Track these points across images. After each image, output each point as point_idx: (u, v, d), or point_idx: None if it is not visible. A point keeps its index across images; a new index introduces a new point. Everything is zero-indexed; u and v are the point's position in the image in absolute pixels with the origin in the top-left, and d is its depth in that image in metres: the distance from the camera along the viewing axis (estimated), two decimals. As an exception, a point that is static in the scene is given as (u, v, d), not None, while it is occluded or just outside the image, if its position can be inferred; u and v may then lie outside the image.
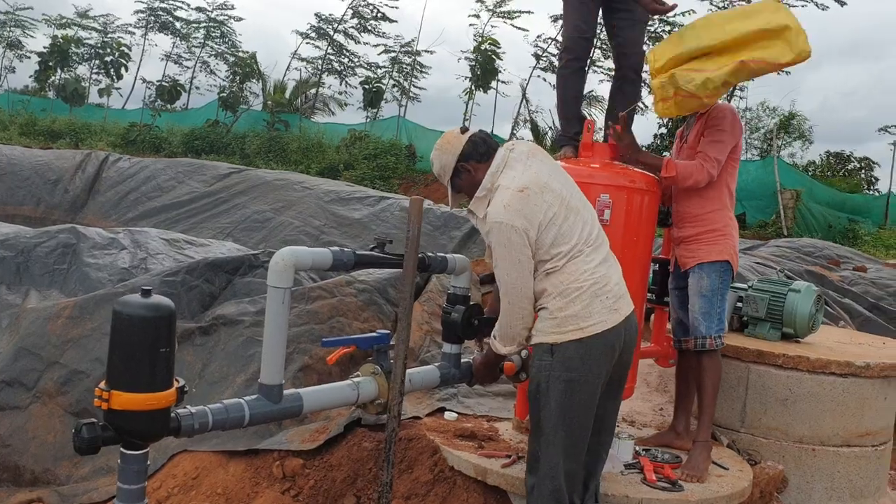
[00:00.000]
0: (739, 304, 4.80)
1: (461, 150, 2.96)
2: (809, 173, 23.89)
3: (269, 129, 25.04)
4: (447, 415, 4.02)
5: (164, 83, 30.40)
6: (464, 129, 3.04)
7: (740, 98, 22.52)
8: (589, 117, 3.88)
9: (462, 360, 3.31)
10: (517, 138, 23.52)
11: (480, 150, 2.97)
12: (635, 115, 4.27)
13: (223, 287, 4.58)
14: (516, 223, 2.75)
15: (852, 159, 27.22)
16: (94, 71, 34.09)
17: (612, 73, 4.31)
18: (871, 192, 25.41)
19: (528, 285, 2.81)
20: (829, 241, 12.55)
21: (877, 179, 26.82)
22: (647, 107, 20.79)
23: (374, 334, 2.99)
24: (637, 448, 3.74)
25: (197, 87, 32.61)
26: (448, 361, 3.26)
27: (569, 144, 3.93)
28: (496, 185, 2.89)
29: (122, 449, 2.29)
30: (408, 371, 3.13)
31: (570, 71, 4.00)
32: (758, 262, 8.54)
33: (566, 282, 2.80)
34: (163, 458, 3.67)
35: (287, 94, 27.80)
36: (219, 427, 2.52)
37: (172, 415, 2.36)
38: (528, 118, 25.33)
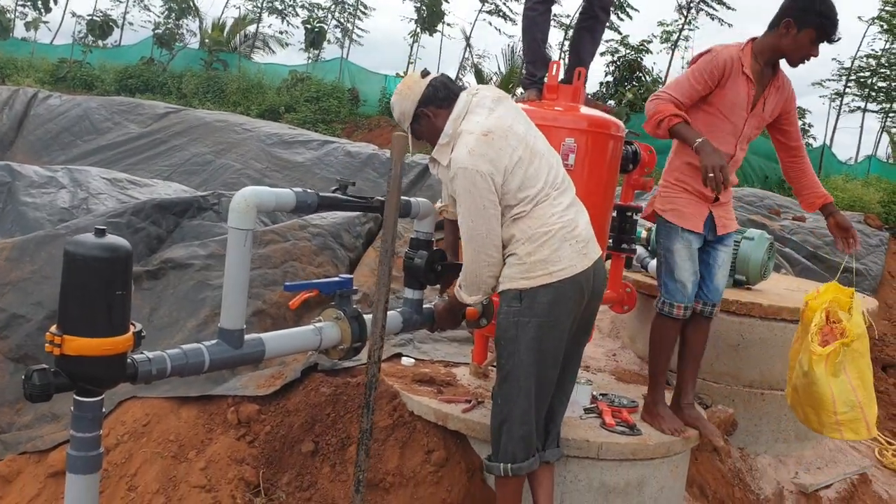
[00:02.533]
0: (693, 252, 4.83)
1: (421, 95, 2.87)
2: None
3: (206, 68, 24.20)
4: (404, 360, 3.97)
5: (95, 18, 28.98)
6: (424, 73, 2.94)
7: (685, 49, 22.59)
8: (555, 59, 3.79)
9: (424, 306, 3.25)
10: (463, 83, 23.28)
11: (440, 94, 2.87)
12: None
13: (171, 230, 4.40)
14: (481, 168, 2.68)
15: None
16: (20, 3, 32.28)
17: (564, 21, 4.22)
18: (805, 143, 25.94)
19: (495, 232, 2.75)
20: (770, 191, 12.80)
21: (811, 126, 27.36)
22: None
23: (336, 279, 2.90)
24: (594, 392, 3.76)
25: (130, 23, 31.12)
26: (410, 307, 3.18)
27: (534, 87, 3.85)
28: (459, 130, 2.80)
29: (75, 396, 2.17)
30: (369, 316, 3.06)
31: (537, 13, 3.89)
32: (703, 211, 8.66)
33: (534, 226, 2.75)
34: (110, 404, 3.54)
35: (225, 33, 26.87)
36: (177, 373, 2.42)
37: (129, 360, 2.24)
38: (473, 63, 25.06)
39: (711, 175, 3.05)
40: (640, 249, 4.90)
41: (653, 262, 4.76)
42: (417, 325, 3.23)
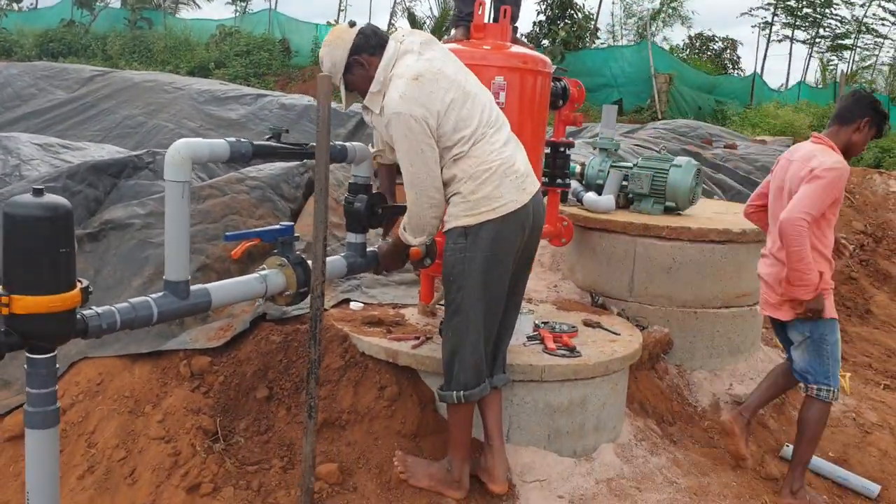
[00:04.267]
0: (625, 183, 5.00)
1: (352, 44, 2.92)
2: (676, 56, 24.58)
3: (131, 27, 23.49)
4: (353, 305, 4.06)
5: (6, -21, 27.80)
6: (352, 24, 2.99)
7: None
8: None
9: (367, 249, 3.34)
10: (395, 29, 23.03)
11: (372, 42, 2.93)
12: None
13: (108, 191, 4.37)
14: (415, 112, 2.75)
15: (716, 39, 28.09)
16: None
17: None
18: (736, 73, 26.44)
19: (435, 174, 2.83)
20: (702, 122, 13.09)
21: (739, 58, 27.91)
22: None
23: (277, 227, 2.96)
24: (536, 321, 3.92)
25: (45, -16, 29.98)
26: (353, 251, 3.26)
27: (462, 24, 3.90)
28: (389, 76, 2.87)
29: (28, 354, 2.22)
30: (314, 261, 3.14)
31: None
32: (637, 145, 8.87)
33: (475, 165, 2.85)
34: (63, 366, 3.57)
35: (148, -11, 26.07)
36: (127, 326, 2.48)
37: (78, 316, 2.30)
38: (405, 7, 24.75)
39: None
40: (574, 184, 5.05)
41: (588, 195, 4.91)
42: (362, 267, 3.32)
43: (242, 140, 2.72)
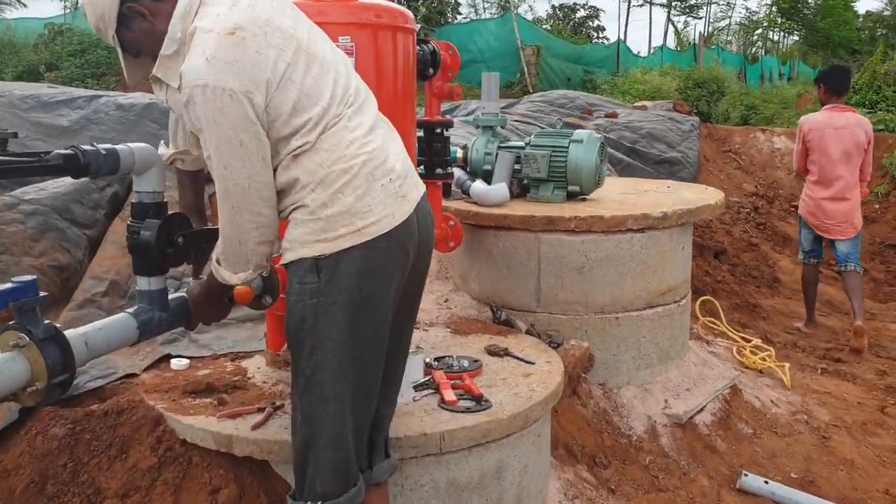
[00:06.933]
0: (518, 167, 4.11)
1: None
2: (541, 27, 24.26)
3: (-57, 32, 20.97)
4: (174, 363, 2.98)
5: None
6: None
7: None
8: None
9: (172, 296, 2.28)
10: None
11: None
12: None
13: None
14: (230, 84, 1.74)
15: (577, 7, 28.04)
16: None
17: None
18: (601, 42, 26.43)
19: (263, 179, 1.84)
20: (579, 92, 12.51)
21: (603, 29, 28.06)
22: None
23: (8, 285, 1.87)
24: (427, 359, 2.97)
25: None
26: (147, 302, 2.20)
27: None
28: (191, 29, 1.83)
29: None
30: (83, 329, 2.07)
31: None
32: (517, 121, 8.04)
33: (326, 163, 1.86)
34: None
35: (-39, -11, 23.43)
36: None
37: None
38: None
39: None
40: (457, 172, 4.10)
41: (475, 185, 3.99)
42: (164, 325, 2.26)
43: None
